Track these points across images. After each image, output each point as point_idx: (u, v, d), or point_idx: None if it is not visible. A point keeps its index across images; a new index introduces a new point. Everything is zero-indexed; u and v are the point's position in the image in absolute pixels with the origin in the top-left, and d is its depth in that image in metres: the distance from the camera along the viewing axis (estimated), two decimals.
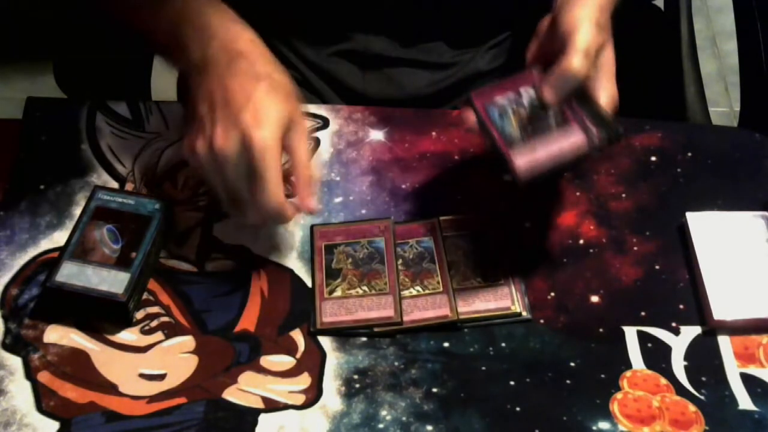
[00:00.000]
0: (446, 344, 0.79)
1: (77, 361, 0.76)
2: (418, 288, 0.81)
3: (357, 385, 0.76)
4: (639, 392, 0.76)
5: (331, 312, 0.79)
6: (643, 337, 0.79)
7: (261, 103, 0.74)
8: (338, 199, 0.87)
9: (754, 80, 1.10)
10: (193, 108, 0.77)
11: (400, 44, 1.00)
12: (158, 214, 0.81)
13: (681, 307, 0.81)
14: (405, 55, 1.01)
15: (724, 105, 1.98)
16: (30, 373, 0.75)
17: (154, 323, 0.79)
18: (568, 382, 0.76)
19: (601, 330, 0.80)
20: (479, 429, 0.74)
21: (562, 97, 0.73)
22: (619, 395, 0.76)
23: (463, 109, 0.78)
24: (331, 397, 0.75)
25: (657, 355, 0.78)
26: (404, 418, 0.74)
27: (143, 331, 0.78)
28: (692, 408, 0.75)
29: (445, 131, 0.93)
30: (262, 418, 0.74)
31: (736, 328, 0.80)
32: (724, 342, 0.79)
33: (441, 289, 0.81)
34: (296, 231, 0.85)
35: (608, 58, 0.76)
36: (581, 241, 0.85)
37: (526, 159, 0.73)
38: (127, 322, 0.78)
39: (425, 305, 0.80)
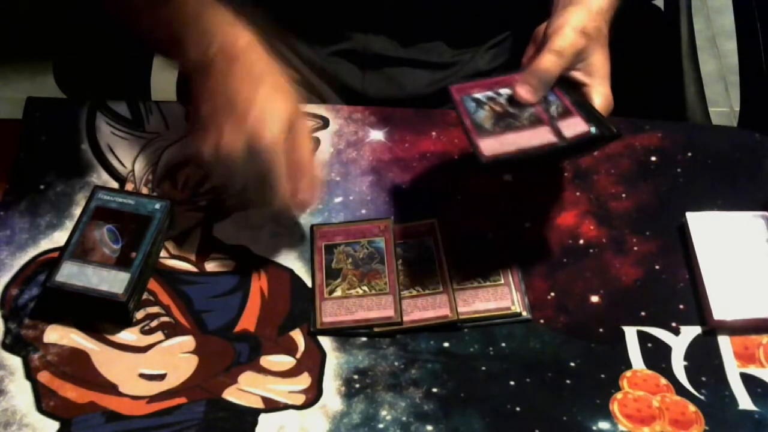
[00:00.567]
0: (446, 344, 0.79)
1: (77, 361, 0.76)
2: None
3: (357, 385, 0.76)
4: (639, 392, 0.76)
5: (331, 312, 0.79)
6: (643, 337, 0.79)
7: (264, 105, 0.75)
8: (338, 199, 0.87)
9: (754, 80, 1.10)
10: (195, 108, 0.78)
11: (400, 44, 1.00)
12: (158, 214, 0.81)
13: (681, 307, 0.81)
14: (405, 55, 1.01)
15: (724, 105, 1.98)
16: (30, 373, 0.75)
17: (154, 323, 0.79)
18: (568, 382, 0.76)
19: (601, 330, 0.80)
20: (479, 429, 0.74)
21: (534, 93, 0.77)
22: (619, 395, 0.76)
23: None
24: (331, 397, 0.75)
25: (657, 355, 0.78)
26: (404, 418, 0.74)
27: (143, 331, 0.78)
28: (692, 408, 0.75)
29: (445, 131, 0.93)
30: (262, 418, 0.74)
31: (736, 328, 0.80)
32: (724, 342, 0.79)
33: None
34: (296, 231, 0.85)
35: (600, 62, 0.79)
36: (581, 241, 0.85)
37: (491, 144, 0.74)
38: (127, 322, 0.78)
39: (425, 305, 0.80)
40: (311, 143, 0.81)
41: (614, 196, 0.89)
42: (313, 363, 0.77)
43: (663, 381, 0.77)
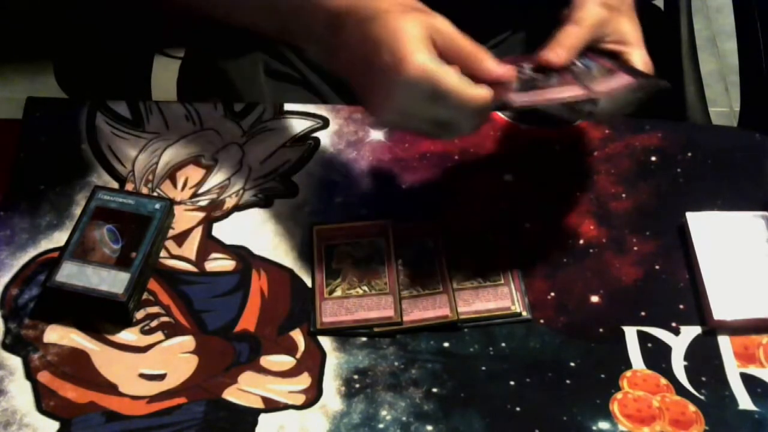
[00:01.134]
0: (446, 344, 0.79)
1: (77, 361, 0.76)
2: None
3: (357, 385, 0.76)
4: (639, 392, 0.76)
5: (331, 312, 0.79)
6: (643, 337, 0.79)
7: (393, 39, 0.71)
8: (338, 199, 0.87)
9: (754, 80, 1.10)
10: (347, 81, 0.77)
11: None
12: (158, 214, 0.81)
13: (681, 307, 0.81)
14: None
15: (724, 105, 1.98)
16: (30, 373, 0.75)
17: (154, 323, 0.79)
18: (568, 382, 0.76)
19: (601, 330, 0.80)
20: (479, 429, 0.74)
21: (559, 57, 0.76)
22: (619, 395, 0.76)
23: None
24: (331, 397, 0.75)
25: (657, 355, 0.78)
26: (404, 418, 0.74)
27: (143, 331, 0.78)
28: (692, 408, 0.75)
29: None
30: (262, 418, 0.74)
31: (736, 328, 0.80)
32: (724, 342, 0.79)
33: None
34: (296, 231, 0.85)
35: (630, 29, 0.79)
36: (581, 241, 0.85)
37: (520, 96, 0.74)
38: (127, 322, 0.78)
39: (425, 305, 0.80)
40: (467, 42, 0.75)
41: (614, 196, 0.89)
42: (313, 363, 0.77)
43: (663, 381, 0.77)
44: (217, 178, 0.88)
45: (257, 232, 0.85)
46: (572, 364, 0.77)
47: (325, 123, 0.93)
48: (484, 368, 0.77)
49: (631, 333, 0.79)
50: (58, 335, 0.78)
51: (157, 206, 0.82)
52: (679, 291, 0.82)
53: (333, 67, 0.78)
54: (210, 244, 0.84)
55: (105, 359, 0.77)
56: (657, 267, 0.84)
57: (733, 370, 0.77)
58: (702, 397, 0.76)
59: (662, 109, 1.10)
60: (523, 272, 0.82)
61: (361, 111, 0.94)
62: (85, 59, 1.11)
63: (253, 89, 1.02)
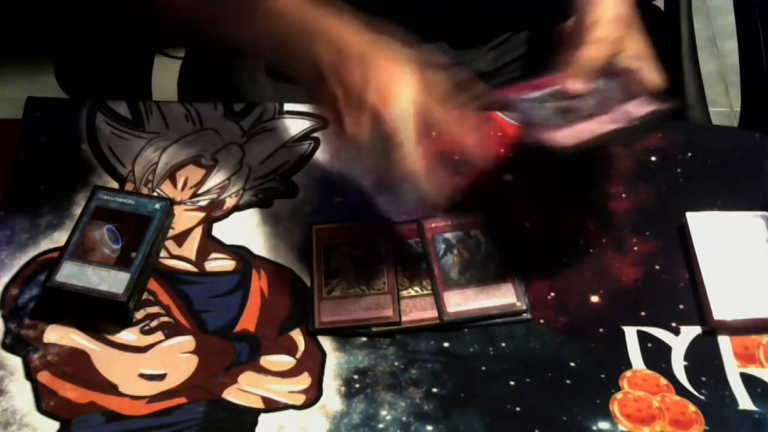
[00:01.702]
0: (446, 344, 0.79)
1: (77, 361, 0.76)
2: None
3: (357, 385, 0.76)
4: (639, 392, 0.76)
5: (329, 312, 0.79)
6: (643, 337, 0.79)
7: (386, 81, 0.73)
8: (338, 199, 0.87)
9: (754, 80, 1.10)
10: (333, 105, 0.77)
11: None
12: (158, 214, 0.81)
13: (681, 307, 0.81)
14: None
15: (724, 105, 1.98)
16: (30, 373, 0.75)
17: (154, 323, 0.79)
18: (568, 382, 0.76)
19: (601, 330, 0.80)
20: (479, 429, 0.74)
21: (583, 83, 0.77)
22: (619, 395, 0.76)
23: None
24: (331, 397, 0.75)
25: (657, 355, 0.78)
26: (404, 418, 0.74)
27: (143, 331, 0.78)
28: (692, 408, 0.75)
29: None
30: (262, 418, 0.74)
31: (736, 328, 0.80)
32: (724, 342, 0.79)
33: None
34: (296, 231, 0.85)
35: (642, 44, 0.80)
36: (581, 241, 0.85)
37: (565, 133, 0.75)
38: (127, 322, 0.78)
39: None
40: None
41: (614, 196, 0.89)
42: (313, 363, 0.77)
43: (663, 381, 0.77)
44: (217, 178, 0.89)
45: (257, 232, 0.85)
46: (572, 364, 0.77)
47: (325, 123, 0.93)
48: (484, 368, 0.77)
49: (631, 333, 0.79)
50: (58, 335, 0.78)
51: (157, 206, 0.82)
52: (679, 291, 0.82)
53: (323, 93, 0.77)
54: (210, 244, 0.84)
55: (105, 359, 0.77)
56: (657, 267, 0.84)
57: (733, 370, 0.77)
58: (702, 397, 0.76)
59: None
60: (523, 272, 0.82)
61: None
62: (85, 59, 1.11)
63: (254, 89, 1.02)
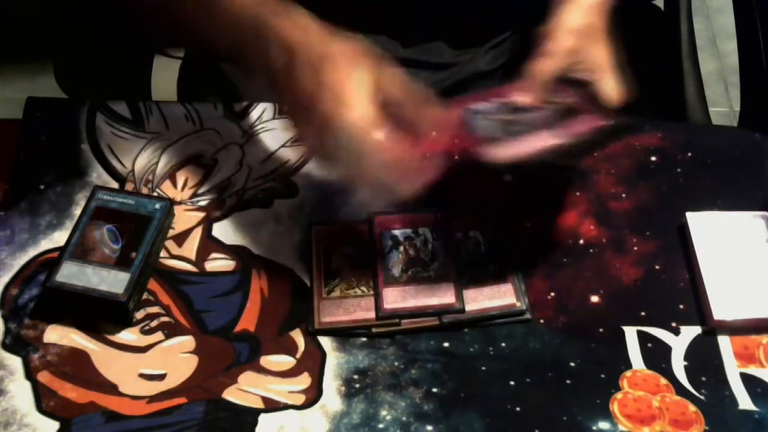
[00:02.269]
0: (446, 344, 0.79)
1: (77, 361, 0.76)
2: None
3: (357, 385, 0.76)
4: (639, 392, 0.76)
5: (329, 312, 0.79)
6: (643, 337, 0.79)
7: (339, 87, 0.71)
8: (338, 199, 0.87)
9: (754, 80, 1.10)
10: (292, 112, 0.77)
11: (401, 44, 1.00)
12: (158, 214, 0.81)
13: (681, 307, 0.81)
14: (405, 55, 1.01)
15: (724, 105, 1.98)
16: (30, 373, 0.75)
17: (154, 323, 0.79)
18: (568, 382, 0.76)
19: (601, 330, 0.80)
20: (479, 429, 0.74)
21: (532, 96, 0.77)
22: (619, 395, 0.76)
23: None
24: (331, 397, 0.75)
25: (657, 355, 0.78)
26: (404, 418, 0.74)
27: (143, 331, 0.78)
28: (692, 408, 0.75)
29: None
30: (262, 418, 0.74)
31: (736, 328, 0.80)
32: (724, 342, 0.79)
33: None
34: (296, 231, 0.85)
35: (600, 55, 0.79)
36: (581, 241, 0.85)
37: (501, 149, 0.75)
38: (127, 322, 0.78)
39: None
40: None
41: (614, 196, 0.89)
42: (313, 363, 0.77)
43: (663, 381, 0.77)
44: (217, 178, 0.88)
45: (257, 232, 0.85)
46: (572, 364, 0.77)
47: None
48: (484, 368, 0.77)
49: (631, 333, 0.79)
50: (58, 335, 0.78)
51: (157, 206, 0.82)
52: (679, 291, 0.82)
53: (278, 95, 0.77)
54: (210, 244, 0.84)
55: (105, 359, 0.77)
56: (657, 267, 0.84)
57: (733, 370, 0.77)
58: (702, 397, 0.76)
59: (662, 109, 1.10)
60: (523, 272, 0.82)
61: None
62: (85, 59, 1.11)
63: (254, 89, 1.02)
